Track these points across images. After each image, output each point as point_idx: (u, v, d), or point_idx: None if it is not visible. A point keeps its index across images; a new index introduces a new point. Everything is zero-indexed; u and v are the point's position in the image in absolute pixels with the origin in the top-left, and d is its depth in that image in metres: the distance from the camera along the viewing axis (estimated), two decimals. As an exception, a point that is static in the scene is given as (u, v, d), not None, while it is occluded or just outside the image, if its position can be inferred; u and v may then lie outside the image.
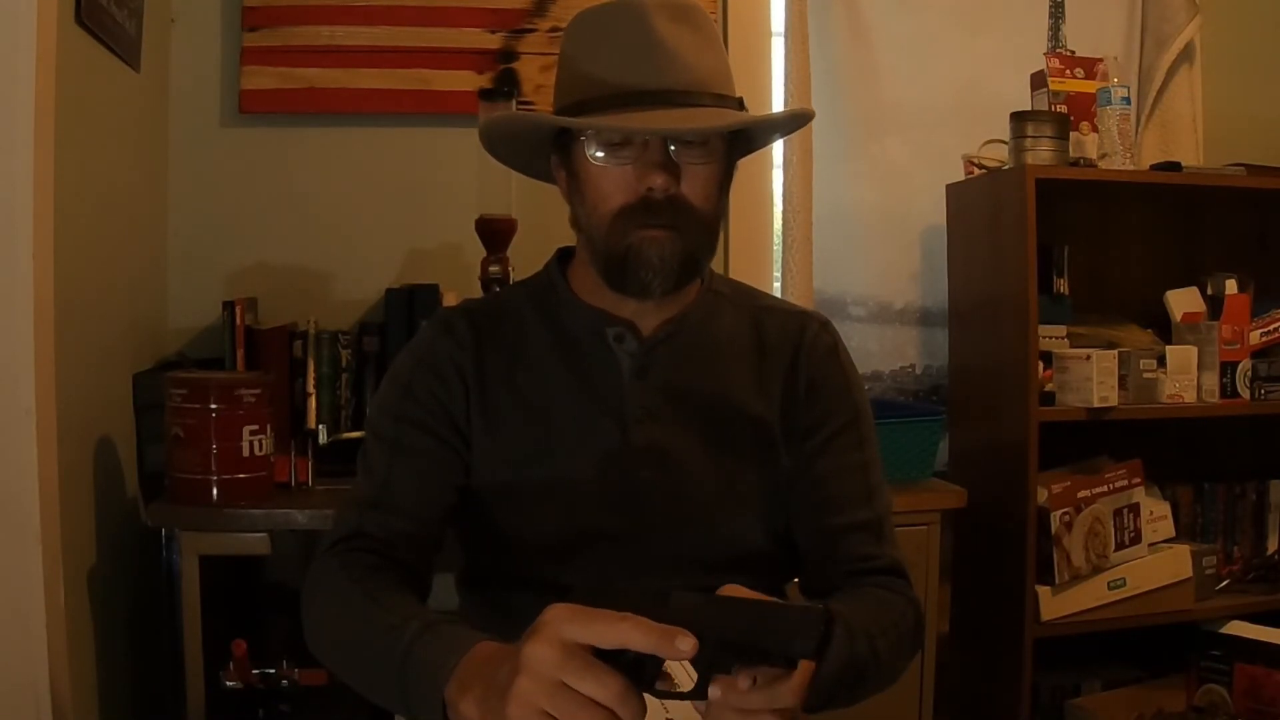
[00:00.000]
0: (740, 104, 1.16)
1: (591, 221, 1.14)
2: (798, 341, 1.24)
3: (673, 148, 1.10)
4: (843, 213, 2.59)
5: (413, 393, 1.19)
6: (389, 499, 1.15)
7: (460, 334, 1.21)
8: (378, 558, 1.11)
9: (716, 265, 2.53)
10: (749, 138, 1.22)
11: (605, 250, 1.13)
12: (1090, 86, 2.38)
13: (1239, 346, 2.30)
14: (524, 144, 1.22)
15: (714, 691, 0.80)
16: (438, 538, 1.18)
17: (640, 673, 0.78)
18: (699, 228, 1.13)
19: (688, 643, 0.75)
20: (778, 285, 2.52)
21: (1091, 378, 2.18)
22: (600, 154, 1.11)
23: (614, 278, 1.14)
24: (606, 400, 1.19)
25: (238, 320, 2.02)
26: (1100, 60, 2.44)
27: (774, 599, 0.83)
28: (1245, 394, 2.29)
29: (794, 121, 1.22)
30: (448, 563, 1.24)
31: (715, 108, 1.11)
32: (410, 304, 2.10)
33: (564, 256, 1.28)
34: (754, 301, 1.29)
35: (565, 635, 0.77)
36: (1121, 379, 2.22)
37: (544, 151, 1.20)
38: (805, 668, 0.80)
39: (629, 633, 0.76)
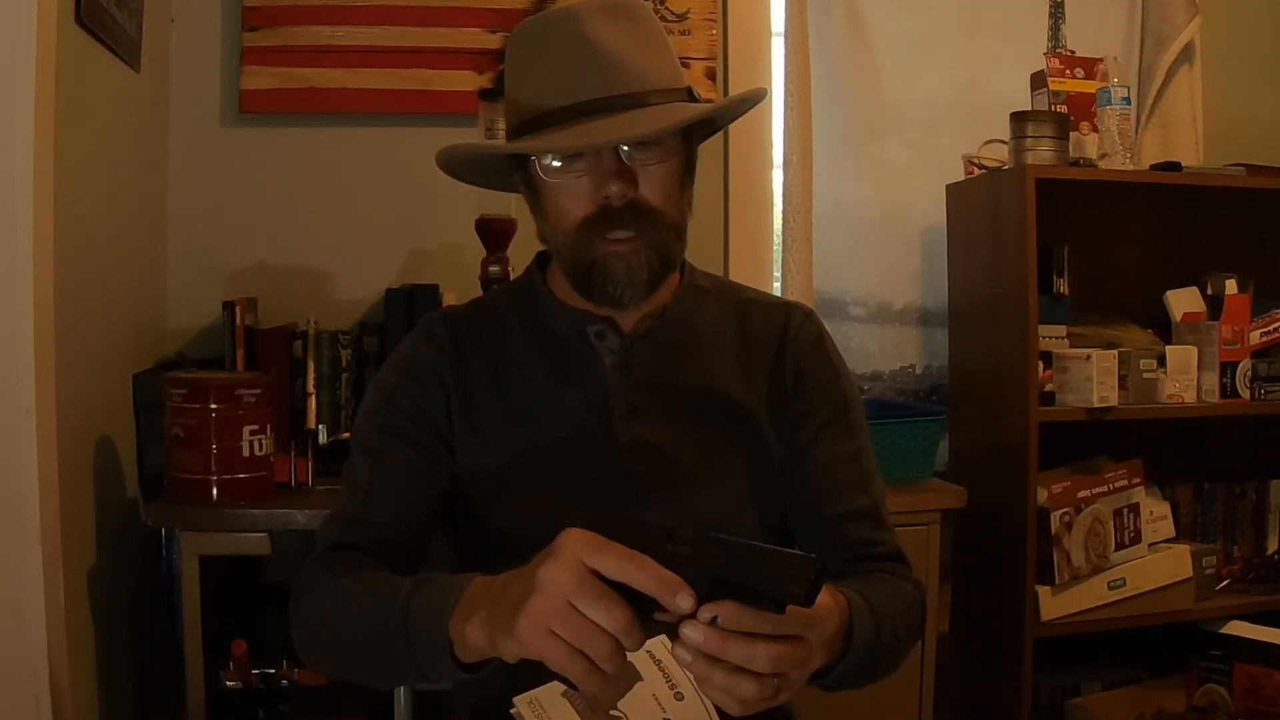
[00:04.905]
0: (690, 93, 1.15)
1: (556, 236, 1.14)
2: (782, 333, 1.25)
3: (625, 149, 1.10)
4: (843, 213, 2.59)
5: (395, 402, 1.20)
6: (370, 511, 1.15)
7: (440, 340, 1.22)
8: (362, 557, 1.12)
9: (716, 265, 2.54)
10: (708, 122, 1.21)
11: (573, 264, 1.14)
12: (1090, 86, 2.38)
13: (1239, 346, 2.29)
14: (485, 166, 1.23)
15: (693, 633, 0.82)
16: (422, 546, 1.19)
17: (641, 600, 0.82)
18: (663, 228, 1.13)
19: (687, 600, 0.80)
20: (778, 285, 2.52)
21: (1091, 378, 2.18)
22: (555, 169, 1.11)
23: (584, 290, 1.15)
24: (591, 398, 1.19)
25: (238, 320, 2.01)
26: (1100, 60, 2.43)
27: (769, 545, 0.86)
28: (1245, 394, 2.29)
29: (745, 104, 1.22)
30: (440, 563, 1.25)
31: (662, 105, 1.10)
32: (410, 304, 2.10)
33: (544, 258, 1.28)
34: (736, 295, 1.29)
35: (580, 561, 0.82)
36: (1121, 379, 2.22)
37: (505, 170, 1.20)
38: (795, 612, 0.82)
39: (634, 573, 0.81)
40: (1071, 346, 2.31)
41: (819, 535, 1.20)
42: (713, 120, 1.22)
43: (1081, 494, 2.20)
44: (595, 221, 1.11)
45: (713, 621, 0.81)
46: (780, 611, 0.81)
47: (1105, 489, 2.23)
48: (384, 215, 2.38)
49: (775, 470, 1.22)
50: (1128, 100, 2.30)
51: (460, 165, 1.22)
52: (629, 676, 0.89)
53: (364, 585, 1.05)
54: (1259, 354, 2.32)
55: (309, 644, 1.11)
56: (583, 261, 1.12)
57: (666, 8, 2.43)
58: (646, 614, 0.83)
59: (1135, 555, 2.26)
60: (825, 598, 0.90)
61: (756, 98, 1.20)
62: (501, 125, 1.99)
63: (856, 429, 1.24)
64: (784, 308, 1.28)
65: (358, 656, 1.06)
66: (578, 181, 1.11)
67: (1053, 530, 2.16)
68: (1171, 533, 2.34)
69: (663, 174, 1.12)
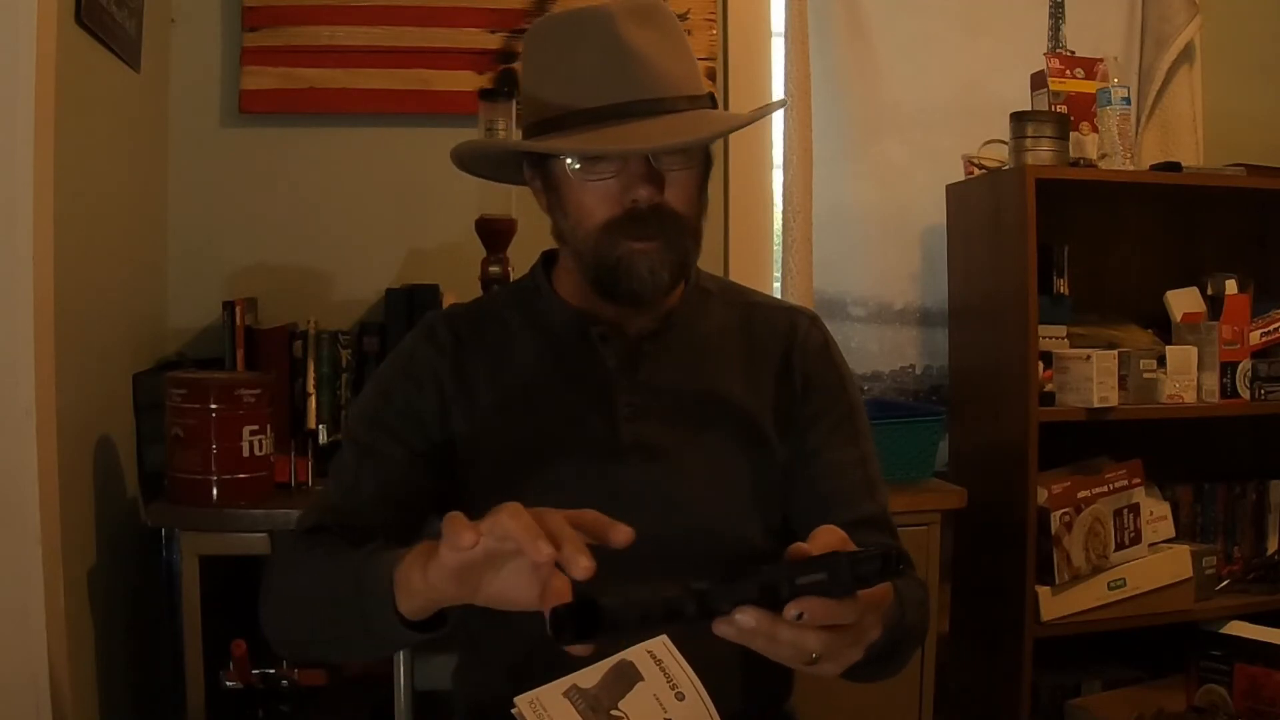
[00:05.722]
0: (711, 99, 1.16)
1: (577, 235, 1.14)
2: (789, 338, 1.25)
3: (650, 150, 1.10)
4: (843, 213, 2.59)
5: (390, 400, 1.20)
6: (352, 504, 1.16)
7: (441, 340, 1.22)
8: (333, 538, 1.13)
9: (716, 265, 2.54)
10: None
11: (594, 263, 1.13)
12: (1090, 86, 2.38)
13: (1239, 346, 2.30)
14: (497, 160, 1.23)
15: (745, 619, 0.79)
16: (402, 545, 1.19)
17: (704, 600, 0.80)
18: (685, 233, 1.13)
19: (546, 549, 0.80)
20: (778, 285, 2.52)
21: (1091, 378, 2.18)
22: (579, 170, 1.11)
23: (605, 289, 1.14)
24: (594, 400, 1.19)
25: (238, 320, 2.02)
26: (1100, 60, 2.44)
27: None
28: (1245, 394, 2.29)
29: (766, 112, 1.23)
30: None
31: (690, 111, 1.11)
32: (410, 304, 2.10)
33: (548, 259, 1.28)
34: (742, 298, 1.29)
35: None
36: (1121, 379, 2.22)
37: (515, 164, 1.20)
38: (863, 596, 0.80)
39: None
40: (1071, 346, 2.31)
41: None
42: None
43: (1081, 494, 2.20)
44: (620, 224, 1.11)
45: (798, 617, 0.78)
46: (851, 594, 0.79)
47: (1105, 489, 2.23)
48: (384, 215, 2.38)
49: (779, 475, 1.21)
50: (1128, 100, 2.30)
51: (471, 158, 1.22)
52: (630, 676, 0.89)
53: (333, 552, 1.06)
54: (1259, 354, 2.33)
55: (276, 617, 1.11)
56: (606, 261, 1.12)
57: (666, 8, 2.43)
58: (710, 615, 0.80)
59: (1135, 555, 2.26)
60: None
61: (780, 107, 1.21)
62: (502, 125, 2.01)
63: (861, 435, 1.24)
64: (789, 312, 1.28)
65: (316, 620, 1.06)
66: (603, 183, 1.11)
67: (1053, 530, 2.16)
68: (1171, 533, 2.34)
69: (687, 179, 1.13)
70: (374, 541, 1.12)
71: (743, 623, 0.78)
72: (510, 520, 0.82)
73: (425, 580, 0.89)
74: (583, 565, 0.80)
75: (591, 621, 0.79)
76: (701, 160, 1.15)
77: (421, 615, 0.93)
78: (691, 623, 0.77)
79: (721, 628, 0.79)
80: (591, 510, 0.85)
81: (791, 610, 0.77)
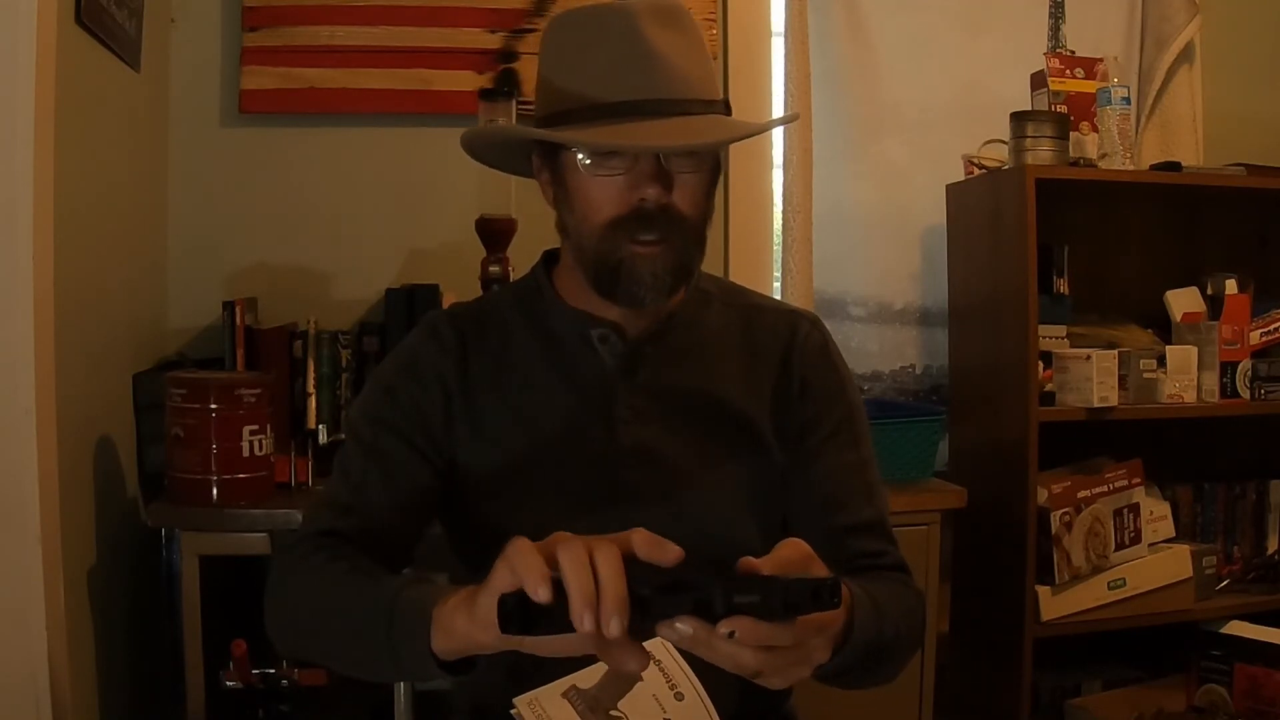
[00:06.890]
0: (726, 105, 1.15)
1: (582, 231, 1.13)
2: (789, 341, 1.24)
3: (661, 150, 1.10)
4: (843, 213, 2.59)
5: (393, 398, 1.20)
6: (361, 503, 1.15)
7: (444, 339, 1.21)
8: (352, 549, 1.12)
9: (716, 266, 2.53)
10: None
11: (596, 260, 1.13)
12: (1090, 86, 2.38)
13: (1239, 346, 2.30)
14: (506, 148, 1.22)
15: (684, 628, 0.79)
16: (409, 544, 1.18)
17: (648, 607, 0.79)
18: (690, 236, 1.13)
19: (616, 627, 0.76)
20: (778, 285, 2.52)
21: (1091, 378, 2.18)
22: (589, 164, 1.11)
23: (604, 287, 1.14)
24: (593, 402, 1.18)
25: (238, 320, 2.02)
26: (1100, 60, 2.44)
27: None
28: (1245, 394, 2.29)
29: (779, 123, 1.23)
30: (440, 564, 1.25)
31: (705, 115, 1.11)
32: (410, 304, 2.10)
33: (550, 258, 1.27)
34: (743, 300, 1.29)
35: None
36: (1121, 379, 2.22)
37: (524, 154, 1.20)
38: (803, 621, 0.80)
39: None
40: (1071, 346, 2.31)
41: (822, 546, 1.18)
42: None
43: (1081, 494, 2.20)
44: (626, 221, 1.10)
45: (730, 635, 0.79)
46: (788, 619, 0.80)
47: (1105, 489, 2.23)
48: (384, 215, 2.38)
49: (777, 479, 1.21)
50: (1128, 100, 2.30)
51: (481, 145, 1.22)
52: (629, 676, 0.89)
53: (359, 572, 1.05)
54: (1259, 354, 2.33)
55: (288, 621, 1.10)
56: (609, 260, 1.12)
57: (666, 8, 2.43)
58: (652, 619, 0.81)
59: (1135, 555, 2.26)
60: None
61: (792, 120, 1.20)
62: (502, 124, 2.01)
63: (861, 439, 1.23)
64: (790, 315, 1.28)
65: (337, 637, 1.05)
66: (612, 180, 1.10)
67: (1053, 530, 2.16)
68: (1171, 533, 2.35)
69: (695, 182, 1.12)
70: (389, 550, 1.13)
71: (681, 631, 0.79)
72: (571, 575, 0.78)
73: (472, 625, 0.87)
74: (613, 628, 0.76)
75: (534, 616, 0.78)
76: (711, 165, 1.14)
77: (456, 656, 0.92)
78: (634, 625, 0.78)
79: (663, 631, 0.80)
80: (641, 531, 0.81)
81: (723, 628, 0.78)
